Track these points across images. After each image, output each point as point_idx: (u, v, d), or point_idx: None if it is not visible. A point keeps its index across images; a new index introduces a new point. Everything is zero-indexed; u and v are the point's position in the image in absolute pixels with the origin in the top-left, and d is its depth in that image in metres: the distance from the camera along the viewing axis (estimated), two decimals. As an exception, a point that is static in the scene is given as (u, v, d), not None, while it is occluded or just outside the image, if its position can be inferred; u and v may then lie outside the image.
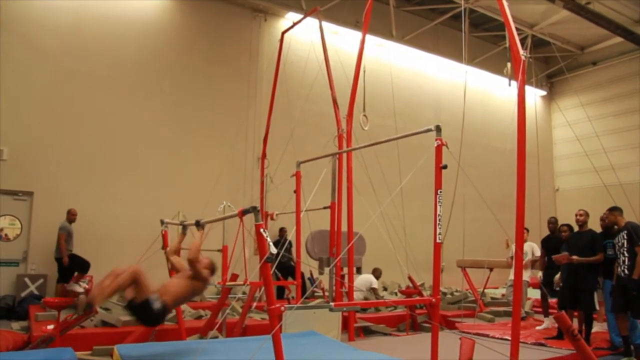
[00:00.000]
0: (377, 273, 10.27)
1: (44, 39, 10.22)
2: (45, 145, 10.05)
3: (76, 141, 10.33)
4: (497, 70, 14.90)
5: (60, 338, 5.84)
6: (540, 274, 8.49)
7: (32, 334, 6.50)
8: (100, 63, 10.78)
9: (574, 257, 6.78)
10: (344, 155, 7.96)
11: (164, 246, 6.31)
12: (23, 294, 9.28)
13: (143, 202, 10.57)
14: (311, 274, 11.34)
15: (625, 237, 6.39)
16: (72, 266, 9.38)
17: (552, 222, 8.34)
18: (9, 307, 8.90)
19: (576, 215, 7.20)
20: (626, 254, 6.34)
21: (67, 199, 10.02)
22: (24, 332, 6.92)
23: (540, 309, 9.66)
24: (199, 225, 4.92)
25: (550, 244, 8.02)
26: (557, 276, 7.55)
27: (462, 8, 8.91)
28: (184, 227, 5.45)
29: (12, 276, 9.52)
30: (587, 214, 7.12)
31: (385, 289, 11.87)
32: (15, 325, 7.71)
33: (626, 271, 6.30)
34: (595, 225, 7.31)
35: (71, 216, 9.67)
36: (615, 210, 6.75)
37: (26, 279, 9.48)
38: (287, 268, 10.55)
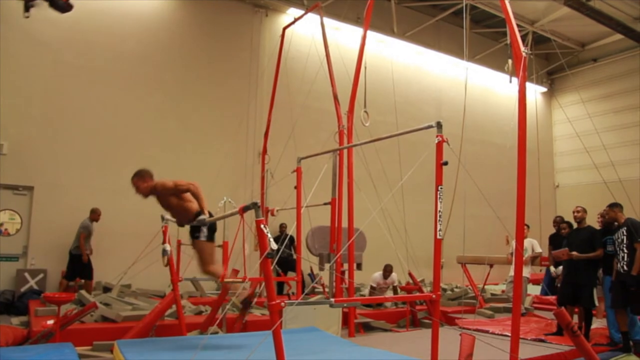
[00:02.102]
0: (383, 271, 9.73)
1: (45, 33, 10.19)
2: (46, 140, 10.04)
3: (77, 135, 10.32)
4: (498, 66, 14.87)
5: (60, 333, 5.83)
6: (553, 268, 8.49)
7: (32, 329, 6.49)
8: (102, 57, 10.76)
9: (574, 253, 6.79)
10: (345, 151, 7.95)
11: (164, 241, 6.31)
12: (23, 289, 9.29)
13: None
14: (311, 270, 11.36)
15: (625, 233, 6.40)
16: (81, 267, 9.38)
17: (557, 221, 8.37)
18: (9, 302, 8.90)
19: (574, 212, 7.21)
20: (625, 250, 6.35)
21: (67, 194, 10.04)
22: (23, 327, 6.92)
23: (541, 306, 9.69)
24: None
25: (557, 241, 8.05)
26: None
27: (464, 4, 8.91)
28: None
29: (11, 271, 9.52)
30: (584, 211, 7.13)
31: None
32: (15, 320, 7.70)
33: (625, 267, 6.31)
34: (593, 221, 7.31)
35: (96, 216, 9.68)
36: (615, 206, 6.76)
37: (26, 274, 9.48)
38: (287, 263, 10.55)
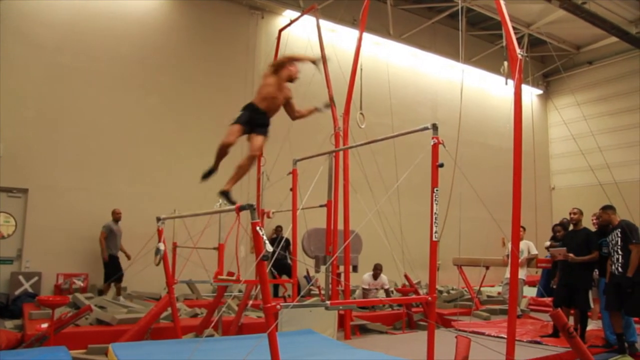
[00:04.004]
0: (373, 270, 9.81)
1: (40, 35, 10.16)
2: (41, 142, 10.00)
3: (72, 137, 10.29)
4: (494, 68, 14.88)
5: (55, 337, 5.80)
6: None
7: (26, 332, 6.46)
8: (97, 59, 10.73)
9: (570, 254, 6.79)
10: (341, 153, 7.94)
11: (159, 242, 6.27)
12: (17, 292, 9.23)
13: (139, 199, 10.53)
14: (307, 272, 11.34)
15: (619, 235, 6.40)
16: (112, 268, 9.36)
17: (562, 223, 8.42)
18: (3, 306, 8.85)
19: (570, 213, 7.21)
20: (620, 252, 6.35)
21: (62, 196, 9.99)
22: (17, 331, 6.88)
23: (537, 308, 9.70)
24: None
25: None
26: None
27: (459, 7, 8.92)
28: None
29: (6, 274, 9.46)
30: (581, 213, 7.13)
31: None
32: (9, 323, 7.66)
33: (620, 269, 6.31)
34: (587, 223, 7.33)
35: (116, 215, 9.70)
36: (608, 208, 6.76)
37: (20, 277, 9.43)
38: (283, 266, 10.53)
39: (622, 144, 16.16)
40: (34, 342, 5.83)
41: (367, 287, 9.66)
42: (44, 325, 6.36)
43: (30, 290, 9.35)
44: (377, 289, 9.69)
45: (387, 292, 9.73)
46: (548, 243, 8.33)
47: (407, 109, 14.17)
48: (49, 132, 10.10)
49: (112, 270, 9.33)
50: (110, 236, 9.52)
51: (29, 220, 9.85)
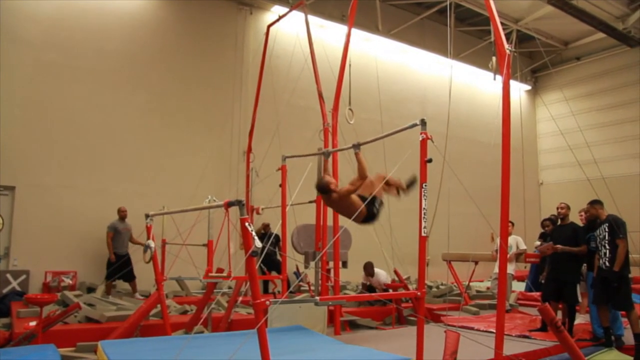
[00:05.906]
0: (364, 270, 9.62)
1: (28, 31, 10.03)
2: (28, 139, 9.88)
3: (60, 135, 10.18)
4: (483, 64, 14.96)
5: (43, 335, 5.76)
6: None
7: (14, 331, 6.40)
8: (85, 56, 10.61)
9: (558, 246, 6.84)
10: (330, 149, 7.94)
11: (148, 238, 6.26)
12: (5, 291, 9.13)
13: (128, 196, 10.45)
14: (297, 268, 11.35)
15: (607, 229, 6.46)
16: (119, 267, 9.27)
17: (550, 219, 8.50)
18: (-10, 304, 8.77)
19: (557, 208, 7.27)
20: (607, 247, 6.41)
21: (50, 193, 9.91)
22: (5, 329, 6.82)
23: (525, 302, 9.78)
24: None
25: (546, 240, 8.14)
26: None
27: (448, 2, 8.94)
28: None
29: (-7, 272, 9.38)
30: (568, 207, 7.19)
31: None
32: (-3, 322, 7.59)
33: (607, 263, 6.37)
34: (575, 218, 7.39)
35: (121, 213, 9.66)
36: (595, 203, 6.80)
37: (8, 275, 9.33)
38: (273, 262, 10.53)
39: (609, 139, 16.33)
40: (22, 340, 5.78)
41: (366, 282, 9.71)
42: (32, 324, 6.31)
43: (18, 288, 9.26)
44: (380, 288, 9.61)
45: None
46: (538, 242, 8.40)
47: (396, 105, 14.19)
48: (36, 129, 9.99)
49: (118, 268, 9.28)
50: (116, 235, 9.49)
51: (17, 218, 9.74)
